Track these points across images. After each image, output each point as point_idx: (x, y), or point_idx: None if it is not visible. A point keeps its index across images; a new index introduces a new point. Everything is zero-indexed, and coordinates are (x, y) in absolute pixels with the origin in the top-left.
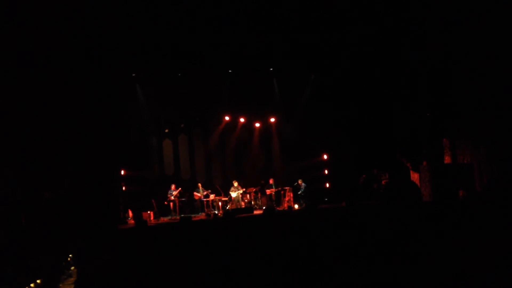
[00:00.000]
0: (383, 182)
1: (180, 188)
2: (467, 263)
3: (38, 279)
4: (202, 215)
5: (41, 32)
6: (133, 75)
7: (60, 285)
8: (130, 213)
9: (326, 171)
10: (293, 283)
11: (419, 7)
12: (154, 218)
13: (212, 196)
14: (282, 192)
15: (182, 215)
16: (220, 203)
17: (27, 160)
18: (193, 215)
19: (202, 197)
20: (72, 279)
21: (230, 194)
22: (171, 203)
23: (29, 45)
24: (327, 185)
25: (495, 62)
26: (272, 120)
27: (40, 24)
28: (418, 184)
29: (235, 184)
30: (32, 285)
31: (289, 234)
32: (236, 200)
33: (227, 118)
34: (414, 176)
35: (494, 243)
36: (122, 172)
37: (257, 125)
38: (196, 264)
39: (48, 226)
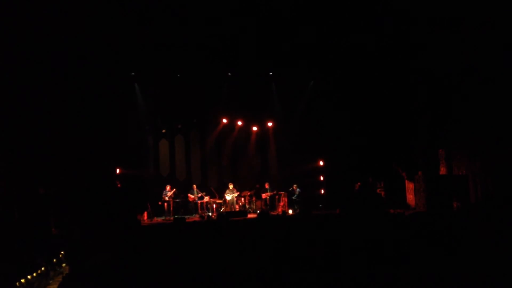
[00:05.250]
0: (377, 191)
1: (175, 189)
2: (458, 274)
3: (29, 275)
4: (196, 217)
5: (40, 30)
6: (132, 74)
7: (50, 281)
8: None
9: (321, 178)
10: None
11: (419, 18)
12: (148, 218)
13: (206, 198)
14: (277, 196)
15: (176, 216)
16: (214, 205)
17: (22, 156)
18: (187, 217)
19: (197, 199)
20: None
21: (224, 197)
22: (165, 204)
23: (28, 43)
24: (322, 191)
25: (493, 75)
26: (270, 124)
27: (39, 23)
28: (413, 194)
29: (231, 186)
30: (22, 280)
31: (282, 239)
32: (231, 203)
33: (224, 120)
34: (409, 186)
35: (486, 256)
36: (118, 171)
37: (255, 128)
38: (188, 265)
39: (42, 222)
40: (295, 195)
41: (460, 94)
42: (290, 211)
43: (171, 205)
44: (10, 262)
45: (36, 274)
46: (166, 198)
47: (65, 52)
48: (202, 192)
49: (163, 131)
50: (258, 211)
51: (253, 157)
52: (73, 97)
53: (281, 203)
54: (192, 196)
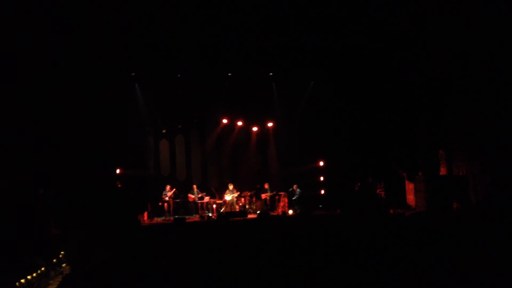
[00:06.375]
0: (377, 191)
1: (174, 189)
2: (458, 274)
3: (29, 276)
4: (196, 217)
5: (40, 30)
6: (133, 74)
7: (50, 282)
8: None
9: (321, 178)
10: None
11: (419, 18)
12: (148, 218)
13: (206, 198)
14: (277, 197)
15: (176, 216)
16: (214, 206)
17: (22, 156)
18: (187, 217)
19: (197, 199)
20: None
21: (224, 197)
22: (166, 204)
23: (29, 43)
24: (322, 191)
25: (492, 76)
26: (270, 124)
27: (39, 22)
28: (413, 195)
29: (230, 187)
30: (22, 280)
31: (282, 239)
32: (231, 203)
33: (225, 121)
34: (409, 186)
35: (486, 256)
36: (118, 171)
37: (255, 129)
38: (187, 265)
39: (42, 222)
40: (295, 196)
41: (460, 94)
42: (290, 212)
43: (171, 205)
44: (10, 262)
45: (36, 274)
46: (166, 198)
47: (65, 52)
48: (202, 192)
49: (164, 131)
50: (258, 212)
51: (253, 158)
52: (73, 97)
53: (281, 204)
54: (192, 196)
